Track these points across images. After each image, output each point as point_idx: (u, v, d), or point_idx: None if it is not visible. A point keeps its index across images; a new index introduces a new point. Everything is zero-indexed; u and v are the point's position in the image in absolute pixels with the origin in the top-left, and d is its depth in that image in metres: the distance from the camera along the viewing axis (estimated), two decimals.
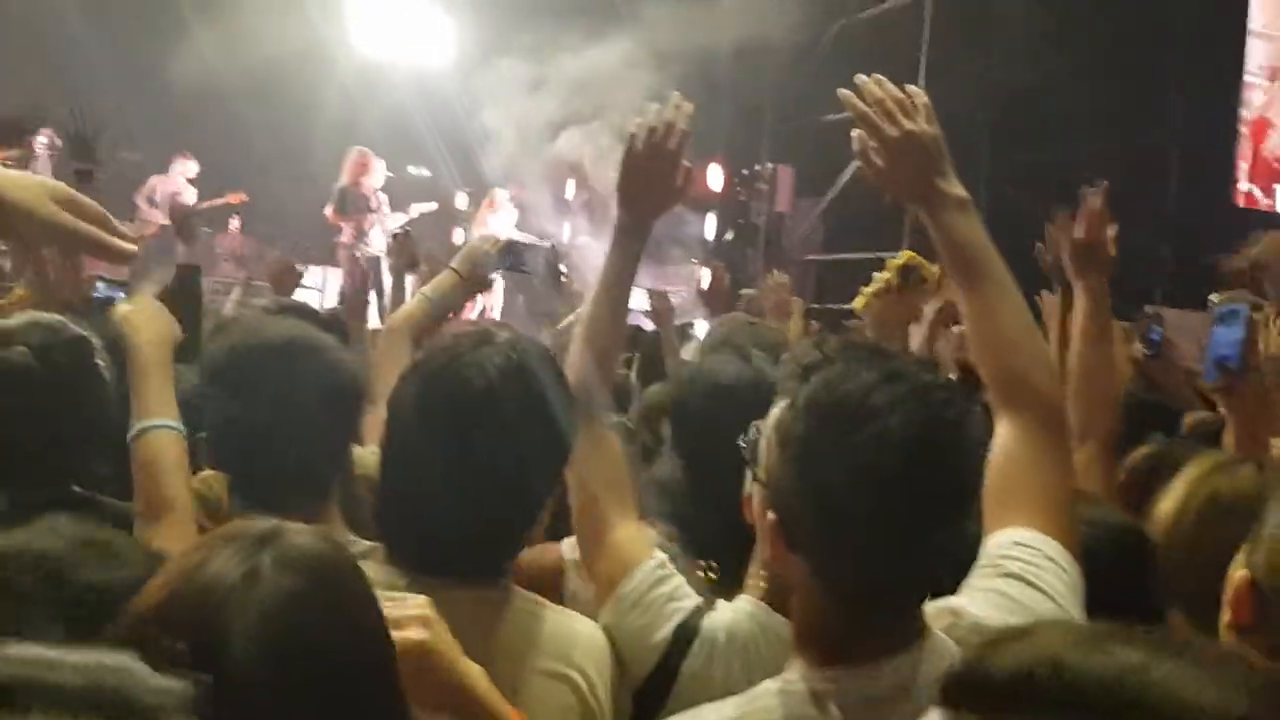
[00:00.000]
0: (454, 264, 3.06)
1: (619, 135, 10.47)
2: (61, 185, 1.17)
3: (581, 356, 1.89)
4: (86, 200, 1.15)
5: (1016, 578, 1.50)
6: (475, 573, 1.62)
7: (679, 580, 1.73)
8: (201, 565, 1.04)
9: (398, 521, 1.66)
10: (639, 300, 5.43)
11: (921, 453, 1.27)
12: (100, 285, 4.03)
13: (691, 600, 1.70)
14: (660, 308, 5.19)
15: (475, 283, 3.11)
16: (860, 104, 1.75)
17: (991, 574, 1.52)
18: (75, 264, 1.16)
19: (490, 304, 10.17)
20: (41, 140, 9.30)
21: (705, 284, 5.63)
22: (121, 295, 3.88)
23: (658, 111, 1.94)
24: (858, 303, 3.25)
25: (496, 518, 1.61)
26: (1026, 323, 1.71)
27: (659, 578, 1.72)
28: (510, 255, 3.19)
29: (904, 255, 3.24)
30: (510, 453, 1.59)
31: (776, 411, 1.38)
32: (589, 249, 10.11)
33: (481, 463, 1.57)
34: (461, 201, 11.98)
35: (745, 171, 11.82)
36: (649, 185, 1.95)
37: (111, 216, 1.18)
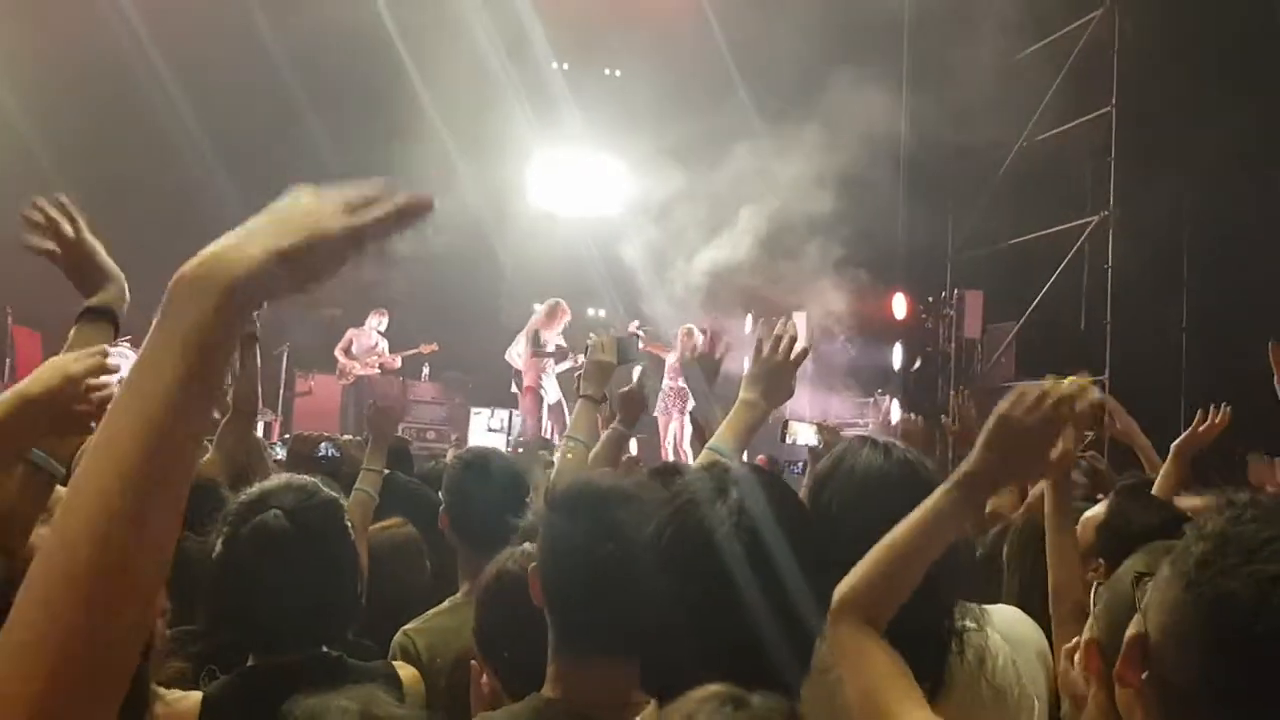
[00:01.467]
0: (584, 392, 3.16)
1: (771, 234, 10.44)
2: None
3: (873, 578, 1.71)
4: None
5: None
6: None
7: None
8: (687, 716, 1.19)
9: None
10: (807, 436, 5.17)
11: None
12: (323, 446, 4.22)
13: None
14: (831, 443, 5.00)
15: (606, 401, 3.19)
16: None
17: None
18: None
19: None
20: None
21: (895, 419, 5.43)
22: (338, 454, 4.11)
23: (1037, 385, 1.74)
24: None
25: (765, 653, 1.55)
26: None
27: None
28: (623, 352, 3.24)
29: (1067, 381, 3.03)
30: (776, 589, 1.55)
31: (1161, 575, 1.20)
32: None
33: (746, 605, 1.54)
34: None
35: (930, 298, 11.56)
36: (1019, 449, 1.72)
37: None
